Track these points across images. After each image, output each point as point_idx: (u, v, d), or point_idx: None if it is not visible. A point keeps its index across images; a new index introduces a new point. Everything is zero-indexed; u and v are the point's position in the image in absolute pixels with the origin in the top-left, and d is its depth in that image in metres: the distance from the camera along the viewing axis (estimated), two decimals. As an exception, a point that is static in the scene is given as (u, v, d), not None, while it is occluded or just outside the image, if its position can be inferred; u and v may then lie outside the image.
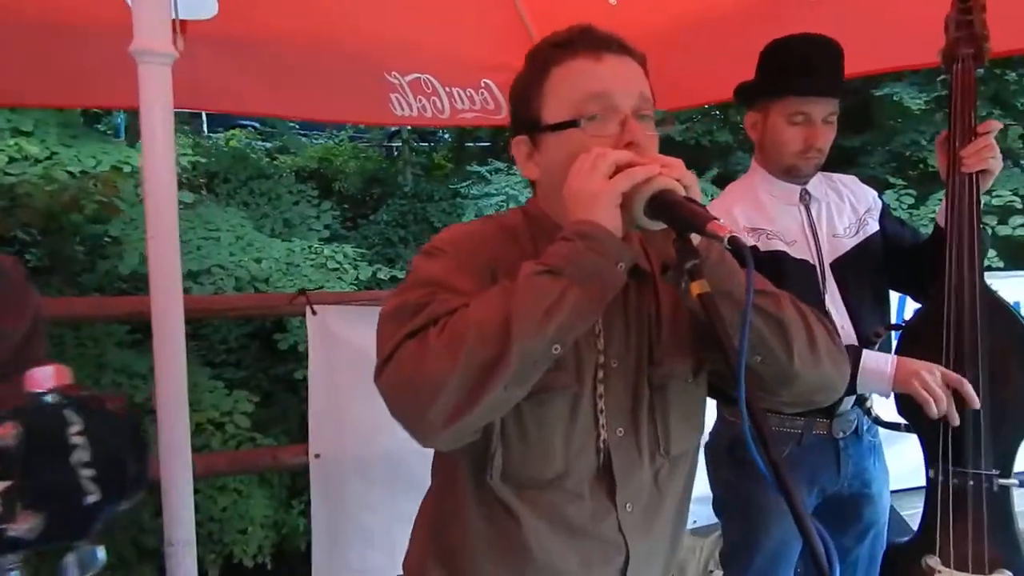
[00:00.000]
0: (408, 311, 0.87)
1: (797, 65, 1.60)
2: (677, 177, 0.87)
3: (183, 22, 2.74)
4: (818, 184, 1.74)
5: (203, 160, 5.25)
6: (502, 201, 5.31)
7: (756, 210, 1.69)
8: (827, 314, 1.63)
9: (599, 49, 0.95)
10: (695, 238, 0.87)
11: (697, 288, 0.81)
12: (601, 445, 0.98)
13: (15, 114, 3.89)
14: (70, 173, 3.53)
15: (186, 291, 4.57)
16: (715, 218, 0.82)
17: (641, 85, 0.97)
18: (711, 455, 1.80)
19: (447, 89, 3.10)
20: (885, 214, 1.79)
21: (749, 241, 1.69)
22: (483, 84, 3.29)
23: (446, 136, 9.53)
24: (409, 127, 7.62)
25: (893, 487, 1.84)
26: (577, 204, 0.88)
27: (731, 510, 1.76)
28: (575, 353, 0.96)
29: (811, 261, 1.67)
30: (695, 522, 2.75)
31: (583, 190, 0.87)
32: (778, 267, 1.63)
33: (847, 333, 1.63)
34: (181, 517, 1.59)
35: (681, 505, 1.07)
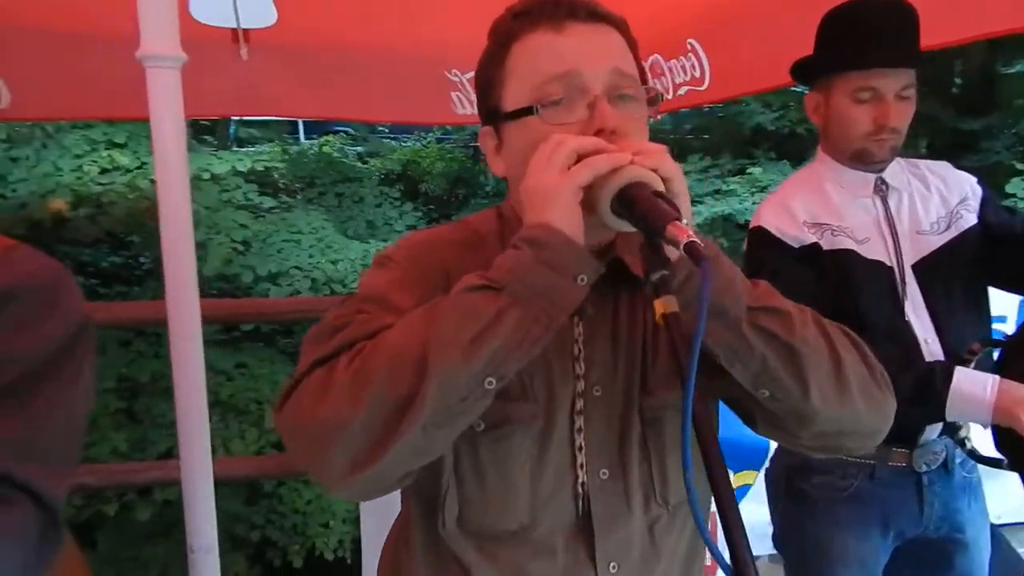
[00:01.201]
0: (327, 332, 0.73)
1: (860, 33, 1.35)
2: (652, 166, 0.69)
3: (246, 31, 2.80)
4: (898, 172, 1.48)
5: (279, 166, 5.40)
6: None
7: (819, 203, 1.46)
8: (905, 326, 1.39)
9: (562, 18, 0.78)
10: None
11: (661, 306, 0.63)
12: (579, 490, 0.81)
13: (111, 127, 4.13)
14: (152, 181, 3.71)
15: (264, 293, 4.77)
16: (677, 217, 0.65)
17: (616, 59, 0.79)
18: (771, 484, 1.59)
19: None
20: (986, 203, 1.50)
21: (792, 236, 1.42)
22: None
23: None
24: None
25: (1003, 520, 1.55)
26: (531, 203, 0.71)
27: (790, 548, 1.54)
28: (546, 379, 0.80)
29: (887, 262, 1.42)
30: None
31: (537, 186, 0.71)
32: (844, 269, 1.39)
33: (932, 349, 1.38)
34: (203, 524, 1.56)
35: (688, 567, 0.89)
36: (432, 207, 8.81)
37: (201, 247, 4.08)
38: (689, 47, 2.64)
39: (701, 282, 0.60)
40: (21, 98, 2.50)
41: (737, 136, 6.61)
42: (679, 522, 0.86)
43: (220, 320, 3.34)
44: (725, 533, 0.54)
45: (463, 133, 10.28)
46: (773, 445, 1.73)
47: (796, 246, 1.41)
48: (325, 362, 0.70)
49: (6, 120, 3.21)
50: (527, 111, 0.78)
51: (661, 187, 0.69)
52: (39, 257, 0.82)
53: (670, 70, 2.82)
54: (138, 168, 3.87)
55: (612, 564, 0.81)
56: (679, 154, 6.75)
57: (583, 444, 0.81)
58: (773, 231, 1.42)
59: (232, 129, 8.37)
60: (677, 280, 0.70)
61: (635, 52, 0.84)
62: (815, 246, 1.40)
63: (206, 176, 3.90)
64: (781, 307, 0.76)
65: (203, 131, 7.42)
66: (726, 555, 0.55)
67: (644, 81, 0.83)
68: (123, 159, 3.82)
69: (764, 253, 1.43)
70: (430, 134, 10.44)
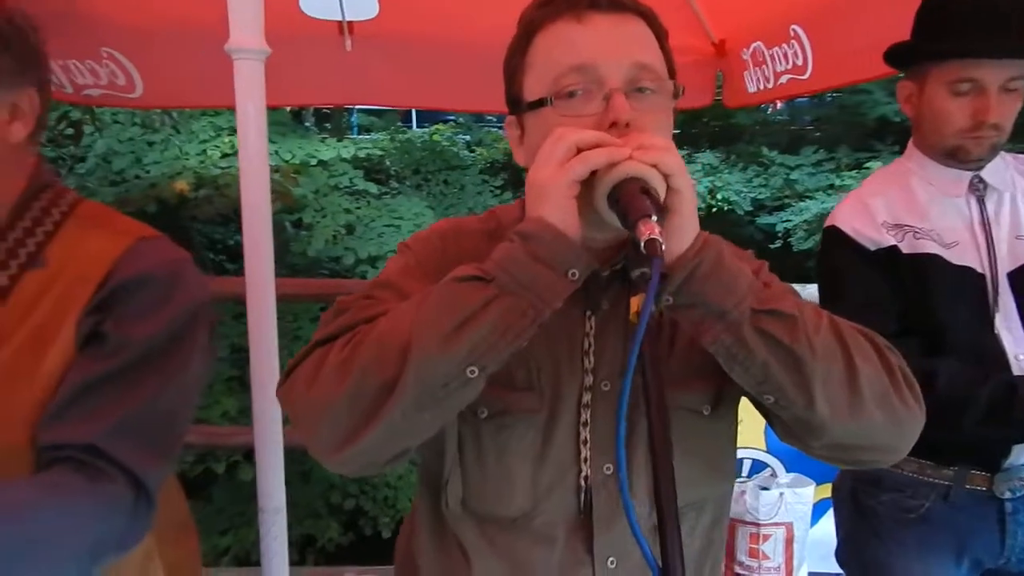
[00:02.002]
0: (331, 316, 0.77)
1: (961, 16, 1.23)
2: (652, 162, 0.67)
3: (350, 23, 2.93)
4: (1000, 169, 1.34)
5: (381, 153, 5.60)
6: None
7: (903, 202, 1.34)
8: (994, 339, 1.26)
9: (583, 8, 0.77)
10: (674, 238, 0.68)
11: (636, 304, 0.62)
12: (582, 484, 0.81)
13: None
14: (272, 167, 3.96)
15: (363, 274, 4.98)
16: (648, 214, 0.63)
17: (637, 51, 0.77)
18: (835, 497, 1.50)
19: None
20: None
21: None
22: None
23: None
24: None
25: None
26: (529, 197, 0.71)
27: (851, 566, 1.45)
28: (553, 371, 0.80)
29: (978, 269, 1.29)
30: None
31: (535, 179, 0.70)
32: (925, 276, 1.28)
33: None
34: (272, 486, 1.67)
35: (698, 570, 0.86)
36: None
37: (307, 229, 4.32)
38: (792, 33, 2.50)
39: (649, 280, 0.58)
40: (152, 87, 2.75)
41: (858, 127, 6.18)
42: (687, 524, 0.83)
43: (292, 298, 3.55)
44: (660, 538, 0.53)
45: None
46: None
47: (872, 248, 1.31)
48: (323, 344, 0.73)
49: (139, 107, 3.55)
50: (543, 102, 0.78)
51: (660, 183, 0.68)
52: (163, 250, 0.90)
53: (772, 58, 2.68)
54: (255, 153, 4.15)
55: (611, 559, 0.81)
56: (791, 146, 6.39)
57: (588, 438, 0.80)
58: (848, 231, 1.33)
59: (354, 118, 8.76)
60: (675, 280, 0.69)
61: (663, 43, 0.81)
62: (893, 249, 1.30)
63: (313, 162, 4.12)
64: (787, 310, 0.72)
65: (324, 119, 7.83)
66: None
67: (671, 73, 0.81)
68: (242, 145, 4.10)
69: (835, 254, 1.34)
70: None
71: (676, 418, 0.80)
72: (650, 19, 0.80)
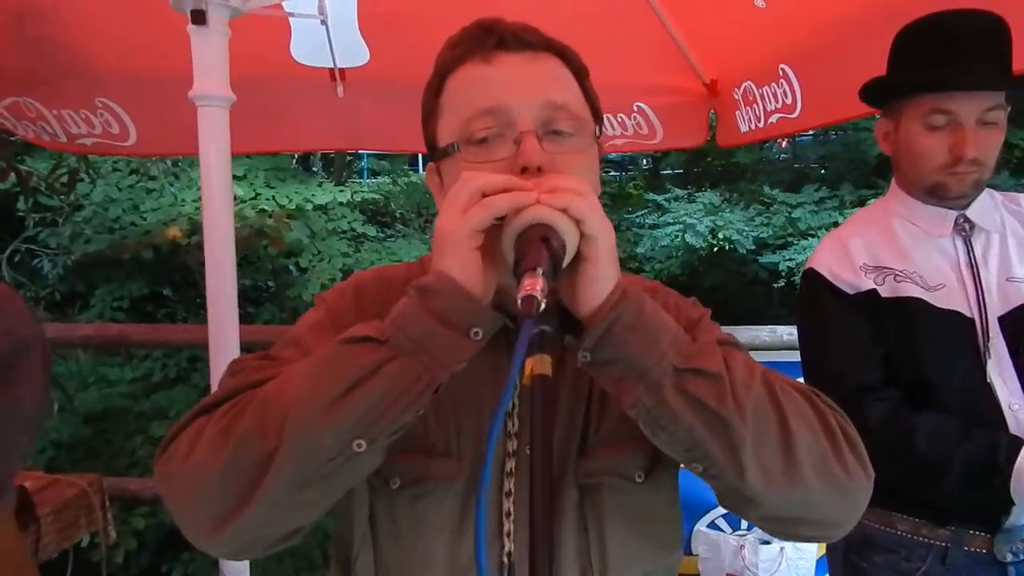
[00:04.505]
0: (227, 377, 0.72)
1: (933, 48, 1.19)
2: (561, 206, 0.63)
3: (342, 70, 2.95)
4: (988, 208, 1.28)
5: (379, 198, 5.64)
6: (678, 231, 4.93)
7: (884, 244, 1.28)
8: (987, 388, 1.18)
9: (491, 48, 0.73)
10: (588, 289, 0.64)
11: (531, 365, 0.56)
12: (504, 560, 0.73)
13: (233, 160, 4.48)
14: (264, 211, 3.97)
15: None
16: (534, 268, 0.58)
17: (550, 90, 0.73)
18: (829, 557, 1.40)
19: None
20: None
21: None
22: (636, 108, 3.15)
23: (643, 162, 9.28)
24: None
25: None
26: (434, 248, 0.66)
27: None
28: (474, 435, 0.74)
29: (967, 313, 1.22)
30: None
31: (438, 227, 0.66)
32: (908, 321, 1.21)
33: (1020, 417, 1.16)
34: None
35: None
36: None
37: (304, 272, 4.30)
38: (781, 72, 2.49)
39: (517, 340, 0.53)
40: (145, 135, 2.77)
41: (861, 165, 6.15)
42: None
43: (259, 345, 3.50)
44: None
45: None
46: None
47: (851, 292, 1.25)
48: (206, 412, 0.68)
49: (132, 155, 3.59)
50: (453, 148, 0.73)
51: (570, 229, 0.63)
52: None
53: (762, 97, 2.68)
54: (252, 199, 4.17)
55: None
56: (793, 184, 6.36)
57: (511, 510, 0.73)
58: (825, 273, 1.27)
59: (364, 163, 8.86)
60: (592, 335, 0.63)
61: (583, 81, 0.78)
62: (873, 293, 1.23)
63: (309, 206, 4.13)
64: (712, 369, 0.65)
65: (328, 163, 7.91)
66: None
67: (595, 112, 0.76)
68: (239, 190, 4.14)
69: (813, 299, 1.28)
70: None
71: (608, 487, 0.74)
72: (566, 57, 0.77)
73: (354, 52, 2.82)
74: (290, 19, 2.50)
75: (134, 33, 2.37)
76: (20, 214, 4.29)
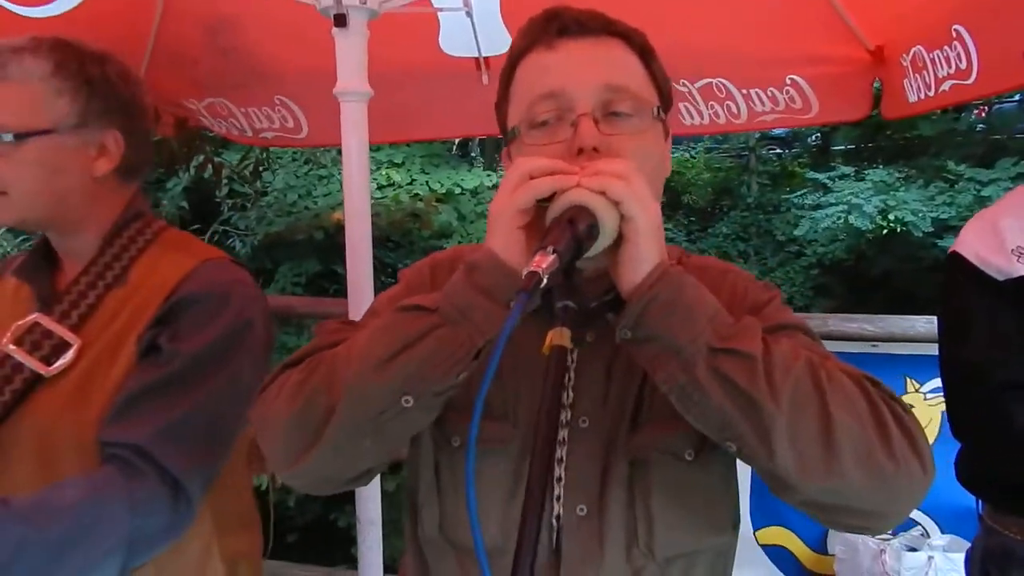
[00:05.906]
0: (313, 339, 0.80)
1: None
2: (599, 188, 0.65)
3: (487, 59, 3.08)
4: None
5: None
6: (842, 211, 4.54)
7: None
8: None
9: (553, 35, 0.76)
10: (629, 268, 0.66)
11: (552, 337, 0.58)
12: (554, 523, 0.76)
13: (393, 149, 4.82)
14: (417, 196, 4.24)
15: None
16: (546, 247, 0.60)
17: (610, 73, 0.75)
18: (968, 566, 1.28)
19: (743, 91, 2.88)
20: None
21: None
22: (788, 81, 2.97)
23: (811, 139, 8.65)
24: (757, 133, 7.14)
25: None
26: (487, 227, 0.71)
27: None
28: (530, 403, 0.77)
29: None
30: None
31: (491, 208, 0.70)
32: None
33: None
34: (368, 501, 1.75)
35: None
36: (693, 219, 8.57)
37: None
38: (954, 34, 2.24)
39: (571, 312, 0.55)
40: (315, 128, 3.07)
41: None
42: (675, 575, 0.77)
43: None
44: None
45: (735, 142, 9.84)
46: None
47: (1000, 279, 1.13)
48: (290, 367, 0.77)
49: (305, 146, 3.98)
50: (516, 131, 0.78)
51: (608, 211, 0.65)
52: (221, 271, 1.00)
53: (932, 62, 2.43)
54: (408, 184, 4.46)
55: None
56: (986, 158, 5.61)
57: (563, 476, 0.77)
58: (971, 258, 1.16)
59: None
60: (630, 313, 0.65)
61: (649, 63, 0.78)
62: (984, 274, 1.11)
63: (458, 191, 4.34)
64: (747, 350, 0.64)
65: (484, 150, 8.22)
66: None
67: (663, 94, 0.77)
68: (397, 176, 4.44)
69: (956, 286, 1.17)
70: (699, 143, 10.17)
71: (657, 463, 0.76)
72: (630, 39, 0.78)
73: (498, 40, 2.92)
74: (438, 14, 2.64)
75: (301, 36, 2.63)
76: (217, 200, 4.94)
